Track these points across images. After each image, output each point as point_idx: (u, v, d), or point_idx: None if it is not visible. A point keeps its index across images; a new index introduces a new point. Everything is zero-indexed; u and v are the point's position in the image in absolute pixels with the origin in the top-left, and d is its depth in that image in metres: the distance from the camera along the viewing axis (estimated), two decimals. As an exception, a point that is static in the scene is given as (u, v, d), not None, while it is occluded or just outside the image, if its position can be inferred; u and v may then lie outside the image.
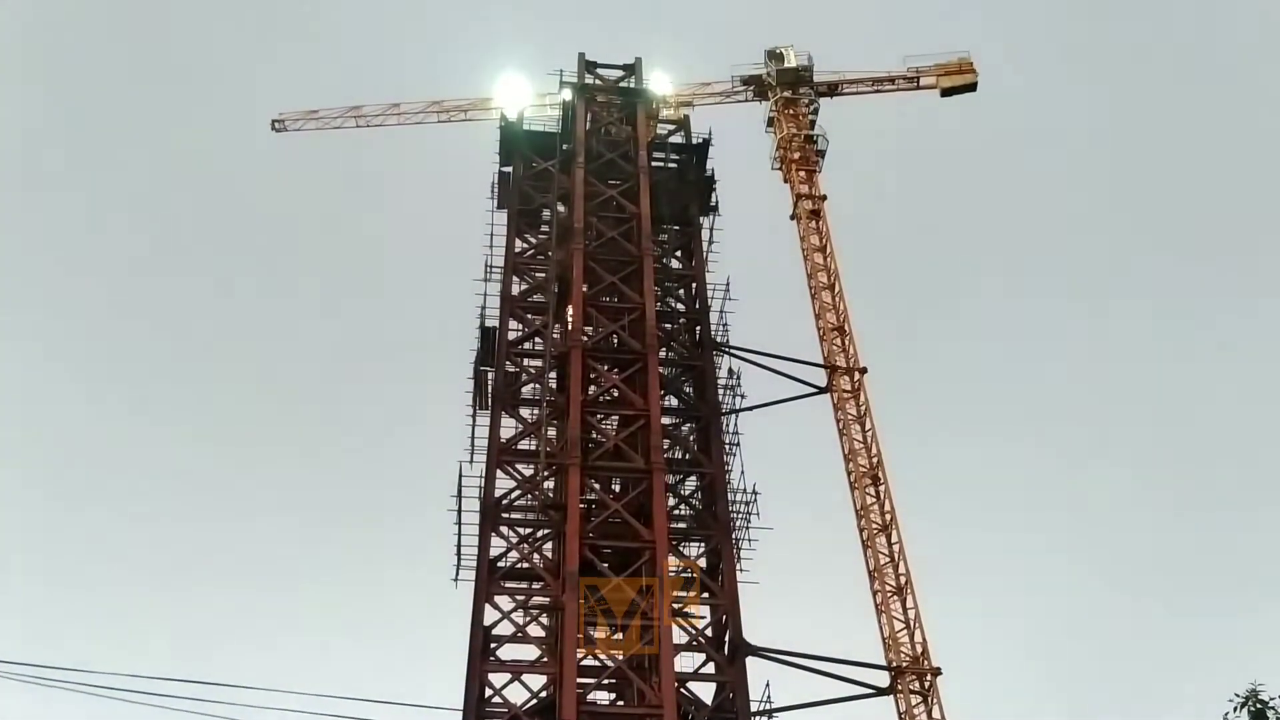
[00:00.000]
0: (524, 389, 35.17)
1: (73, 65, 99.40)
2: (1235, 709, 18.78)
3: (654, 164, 39.15)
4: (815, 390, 37.27)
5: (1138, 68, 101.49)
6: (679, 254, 39.12)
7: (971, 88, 46.40)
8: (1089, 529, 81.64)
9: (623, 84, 41.01)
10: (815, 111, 44.33)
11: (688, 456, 34.91)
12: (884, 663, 32.70)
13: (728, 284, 36.73)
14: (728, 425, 34.75)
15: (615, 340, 35.22)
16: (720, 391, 35.21)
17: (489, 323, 35.56)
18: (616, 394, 34.28)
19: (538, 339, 35.85)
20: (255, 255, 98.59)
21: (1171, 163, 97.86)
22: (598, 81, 41.04)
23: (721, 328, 36.37)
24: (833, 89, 45.42)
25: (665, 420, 34.10)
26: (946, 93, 46.30)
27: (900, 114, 63.46)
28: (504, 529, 32.12)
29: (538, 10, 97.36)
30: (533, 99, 41.30)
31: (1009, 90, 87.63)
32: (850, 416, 36.88)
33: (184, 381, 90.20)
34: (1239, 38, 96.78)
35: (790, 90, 44.32)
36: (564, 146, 38.88)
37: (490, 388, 34.74)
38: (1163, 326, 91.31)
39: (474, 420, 34.32)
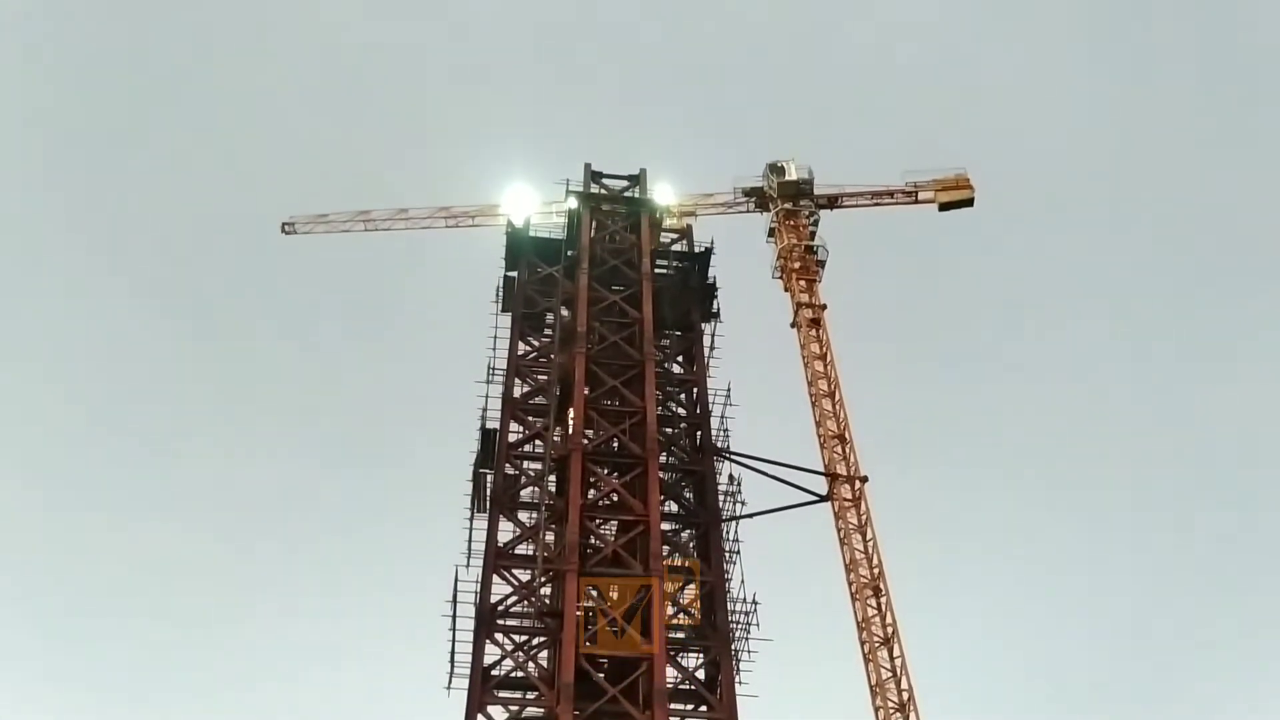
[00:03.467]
0: (523, 492, 34.88)
1: (80, 160, 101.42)
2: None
3: (657, 271, 39.54)
4: (816, 498, 37.00)
5: (1136, 174, 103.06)
6: (680, 359, 39.23)
7: (969, 203, 47.13)
8: (1097, 632, 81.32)
9: (627, 193, 41.64)
10: (815, 222, 44.95)
11: (687, 564, 34.44)
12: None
13: (729, 390, 36.85)
14: (728, 532, 34.45)
15: (616, 444, 35.09)
16: (720, 498, 34.96)
17: (490, 424, 35.47)
18: (616, 498, 34.00)
19: (538, 441, 35.67)
20: (259, 353, 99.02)
21: (1179, 255, 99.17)
22: (603, 190, 41.69)
23: (722, 433, 36.28)
24: (833, 201, 46.12)
25: (665, 526, 33.76)
26: (944, 207, 47.02)
27: (900, 225, 64.45)
28: (499, 635, 31.53)
29: (545, 121, 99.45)
30: (539, 207, 41.90)
31: (1007, 204, 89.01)
32: (851, 526, 36.57)
33: (187, 468, 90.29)
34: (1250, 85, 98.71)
35: (791, 202, 45.00)
36: (569, 252, 39.25)
37: (489, 490, 34.46)
38: (1156, 391, 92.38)
39: (471, 523, 33.98)
